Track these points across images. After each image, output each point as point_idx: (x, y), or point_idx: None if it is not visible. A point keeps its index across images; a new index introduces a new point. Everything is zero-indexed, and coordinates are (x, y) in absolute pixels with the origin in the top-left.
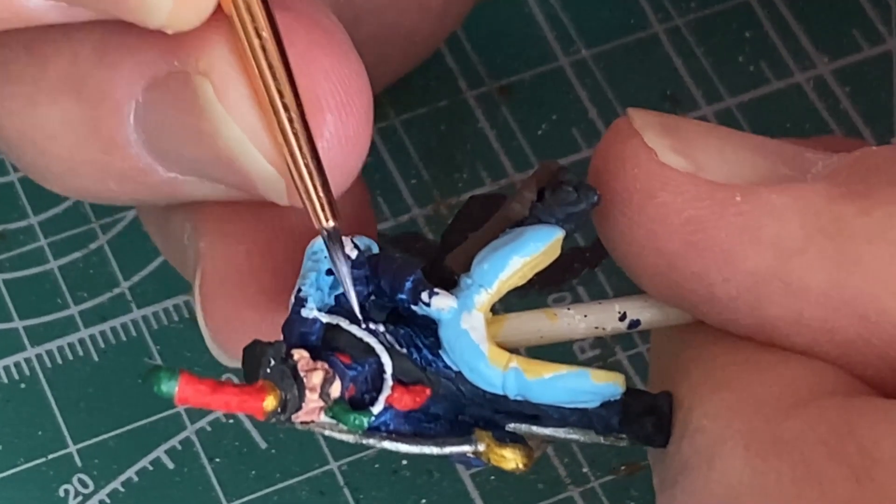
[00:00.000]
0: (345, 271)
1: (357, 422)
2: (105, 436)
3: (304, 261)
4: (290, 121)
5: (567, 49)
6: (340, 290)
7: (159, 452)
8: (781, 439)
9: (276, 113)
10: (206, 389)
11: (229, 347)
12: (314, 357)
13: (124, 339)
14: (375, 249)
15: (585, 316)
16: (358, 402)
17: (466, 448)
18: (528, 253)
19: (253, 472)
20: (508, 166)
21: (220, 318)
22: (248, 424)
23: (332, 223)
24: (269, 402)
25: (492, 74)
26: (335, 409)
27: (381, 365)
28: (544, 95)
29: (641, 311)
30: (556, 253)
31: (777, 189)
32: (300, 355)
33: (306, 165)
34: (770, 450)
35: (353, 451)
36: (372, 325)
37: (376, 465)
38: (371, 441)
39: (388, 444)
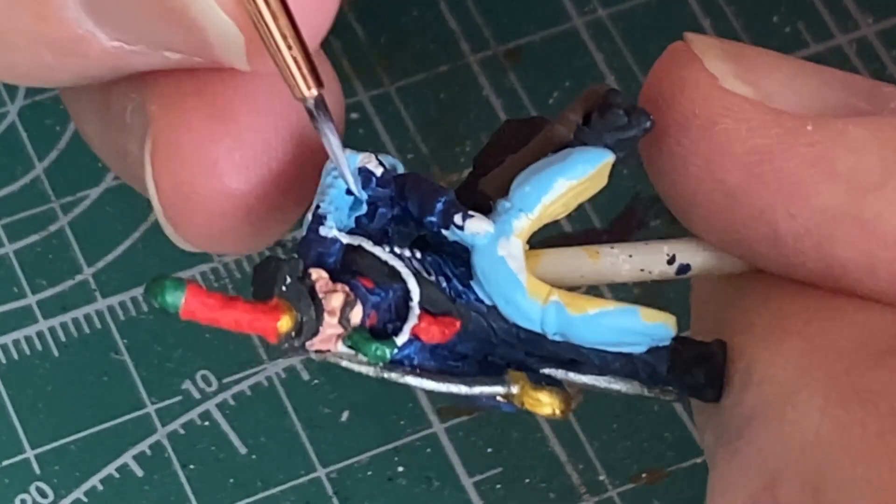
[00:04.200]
0: (335, 142)
1: (379, 352)
2: (66, 440)
3: (322, 176)
4: None
5: (581, 8)
6: (362, 212)
7: (127, 458)
8: (867, 389)
9: None
10: (214, 304)
11: (186, 225)
12: (334, 279)
13: (87, 331)
14: (401, 169)
15: (630, 256)
16: (380, 332)
17: (498, 389)
18: (576, 176)
19: (231, 480)
20: None
21: (176, 192)
22: (225, 427)
23: (315, 92)
24: (284, 323)
25: (498, 36)
26: (355, 337)
27: (407, 292)
28: (556, 59)
29: (693, 256)
30: (604, 181)
31: (853, 121)
32: (318, 275)
33: (273, 15)
34: (854, 400)
35: (342, 456)
36: (397, 249)
37: (369, 473)
38: (393, 375)
39: (411, 380)
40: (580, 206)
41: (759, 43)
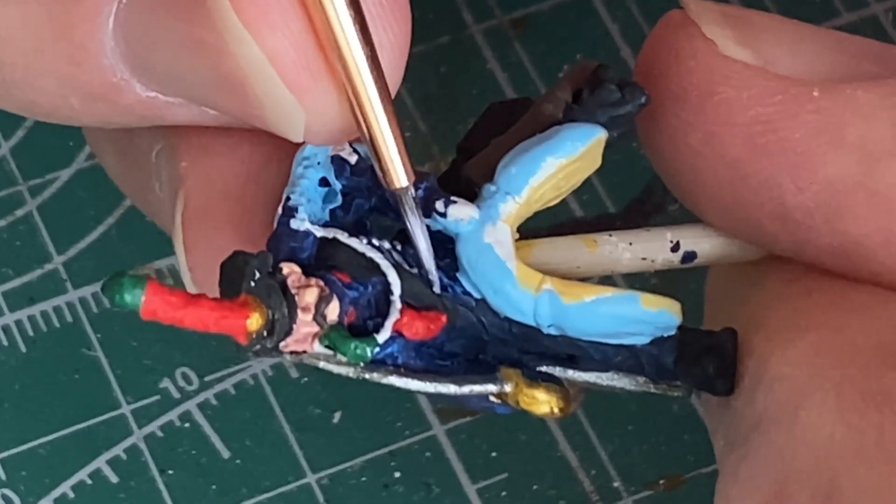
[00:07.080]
0: (422, 234)
1: (359, 351)
2: (34, 442)
3: (293, 167)
4: (345, 35)
5: None
6: (336, 204)
7: (100, 463)
8: (885, 391)
9: (332, 28)
10: (177, 302)
11: (212, 287)
12: (307, 274)
13: (57, 325)
14: None
15: (630, 244)
16: (360, 330)
17: (490, 388)
18: (565, 154)
19: (214, 487)
20: None
21: (206, 255)
22: (208, 429)
23: (407, 182)
24: (254, 321)
25: (503, 4)
26: (332, 335)
27: (387, 285)
28: (566, 29)
29: (698, 242)
30: (597, 160)
31: (863, 85)
32: (290, 269)
33: (374, 110)
34: (870, 403)
35: (334, 461)
36: (376, 241)
37: (363, 479)
38: (375, 376)
39: (395, 380)
40: (592, 189)
41: (789, 12)
